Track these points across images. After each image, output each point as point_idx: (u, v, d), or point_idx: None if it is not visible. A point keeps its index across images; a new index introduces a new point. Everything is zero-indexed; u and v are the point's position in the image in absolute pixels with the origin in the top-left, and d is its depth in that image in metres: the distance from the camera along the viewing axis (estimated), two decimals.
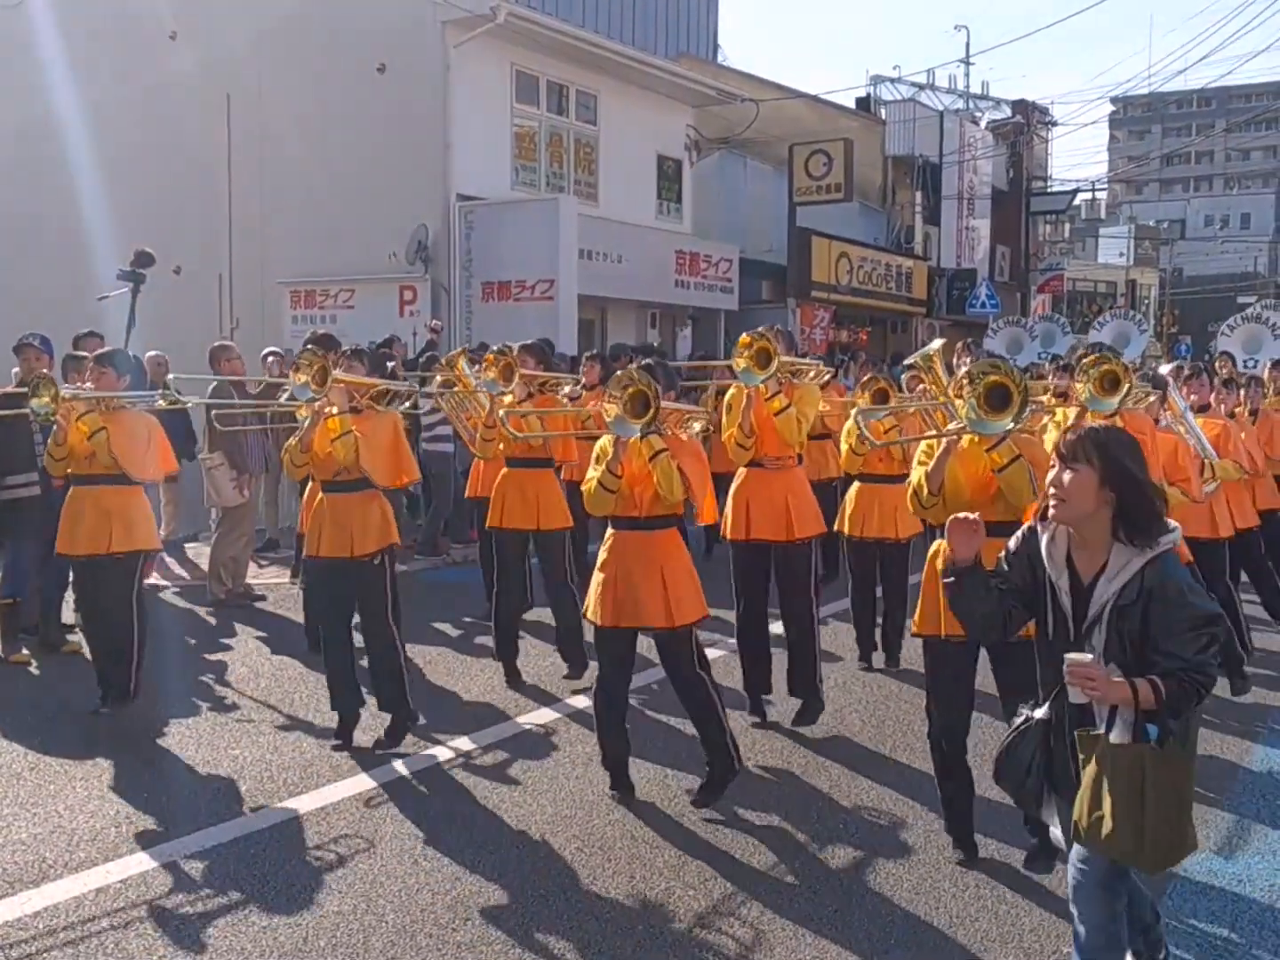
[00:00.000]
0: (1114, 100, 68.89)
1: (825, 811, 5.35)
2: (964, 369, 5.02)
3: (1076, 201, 39.85)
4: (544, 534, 7.25)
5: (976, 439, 4.49)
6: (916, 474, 4.69)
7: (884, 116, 27.37)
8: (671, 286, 18.68)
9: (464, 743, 6.21)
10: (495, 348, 7.31)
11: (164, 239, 17.10)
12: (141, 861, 4.72)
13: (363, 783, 5.61)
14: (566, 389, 8.05)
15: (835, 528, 7.75)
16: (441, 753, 6.05)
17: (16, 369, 7.95)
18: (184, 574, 10.48)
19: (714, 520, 5.82)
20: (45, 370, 6.52)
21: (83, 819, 5.14)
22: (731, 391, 6.36)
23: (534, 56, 17.17)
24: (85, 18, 17.86)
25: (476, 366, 7.54)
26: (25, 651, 7.67)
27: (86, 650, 7.31)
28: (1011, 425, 4.37)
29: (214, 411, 8.17)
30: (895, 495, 7.37)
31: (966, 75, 36.54)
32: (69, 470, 6.51)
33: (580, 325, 16.74)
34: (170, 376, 7.87)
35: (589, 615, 5.31)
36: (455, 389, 7.90)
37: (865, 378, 7.60)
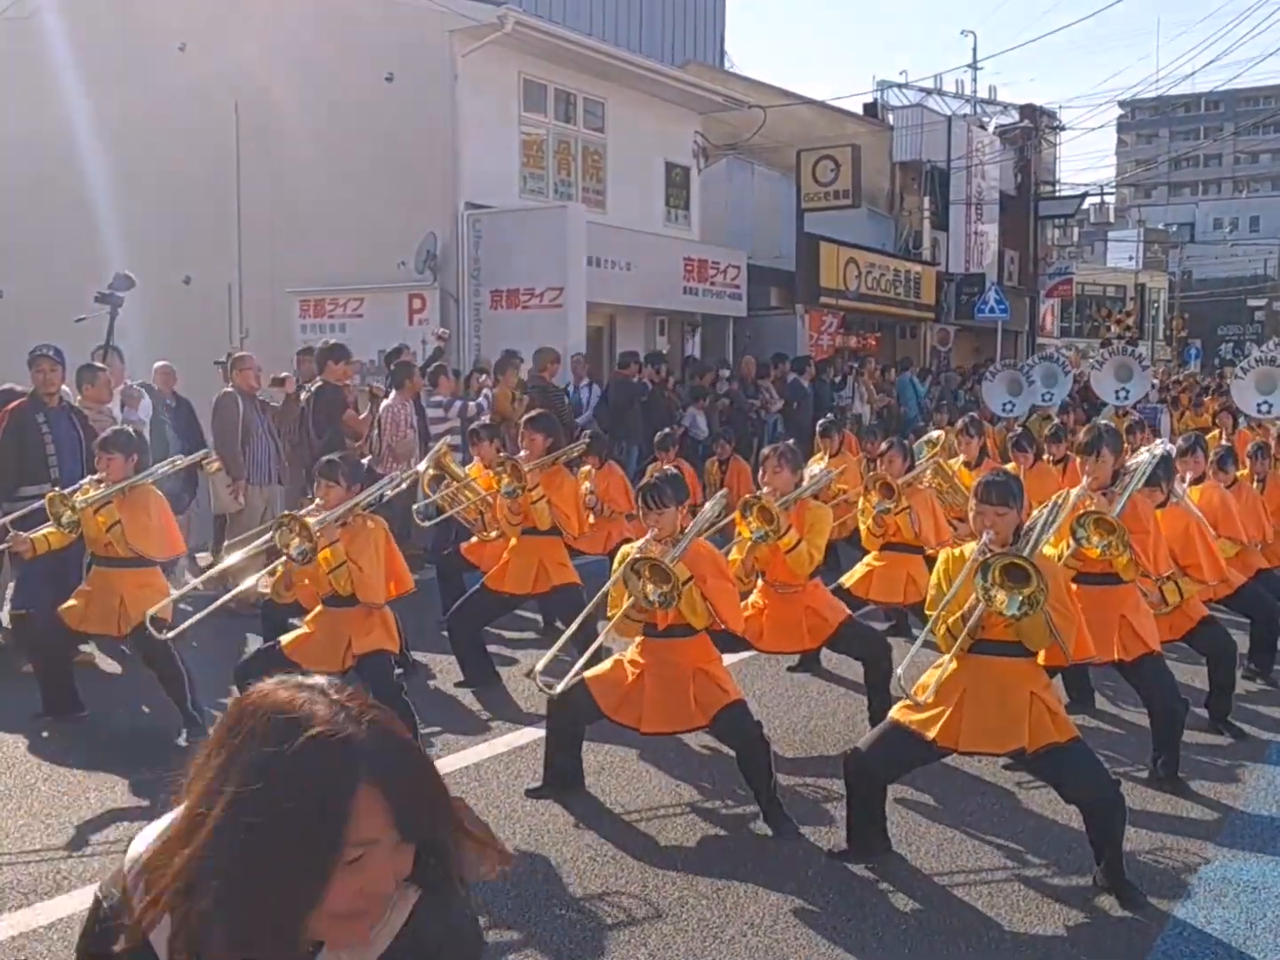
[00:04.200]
0: (1122, 104, 68.77)
1: (838, 823, 5.34)
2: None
3: (1085, 205, 39.80)
4: (551, 590, 7.28)
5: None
6: (938, 629, 4.63)
7: (891, 122, 27.36)
8: (680, 293, 18.70)
9: (476, 751, 6.21)
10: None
11: (173, 249, 17.28)
12: None
13: None
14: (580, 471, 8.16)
15: (842, 582, 7.51)
16: (453, 761, 6.04)
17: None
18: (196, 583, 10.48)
19: (741, 630, 5.58)
20: (58, 491, 6.57)
21: (97, 830, 5.15)
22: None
23: (541, 65, 17.22)
24: (95, 29, 17.96)
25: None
26: None
27: (99, 662, 7.34)
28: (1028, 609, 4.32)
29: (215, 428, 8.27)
30: (909, 563, 7.43)
31: (974, 80, 36.49)
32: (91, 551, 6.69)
33: (589, 332, 16.76)
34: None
35: (601, 706, 5.20)
36: (451, 486, 8.12)
37: (870, 475, 7.79)
